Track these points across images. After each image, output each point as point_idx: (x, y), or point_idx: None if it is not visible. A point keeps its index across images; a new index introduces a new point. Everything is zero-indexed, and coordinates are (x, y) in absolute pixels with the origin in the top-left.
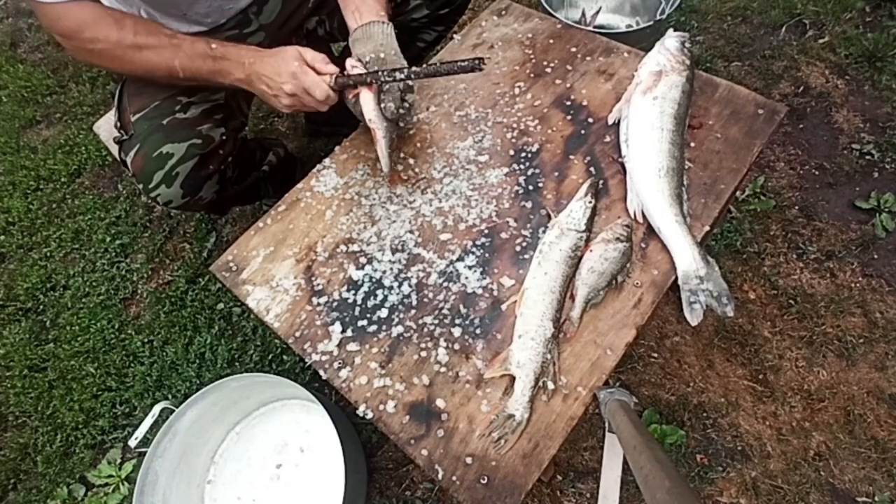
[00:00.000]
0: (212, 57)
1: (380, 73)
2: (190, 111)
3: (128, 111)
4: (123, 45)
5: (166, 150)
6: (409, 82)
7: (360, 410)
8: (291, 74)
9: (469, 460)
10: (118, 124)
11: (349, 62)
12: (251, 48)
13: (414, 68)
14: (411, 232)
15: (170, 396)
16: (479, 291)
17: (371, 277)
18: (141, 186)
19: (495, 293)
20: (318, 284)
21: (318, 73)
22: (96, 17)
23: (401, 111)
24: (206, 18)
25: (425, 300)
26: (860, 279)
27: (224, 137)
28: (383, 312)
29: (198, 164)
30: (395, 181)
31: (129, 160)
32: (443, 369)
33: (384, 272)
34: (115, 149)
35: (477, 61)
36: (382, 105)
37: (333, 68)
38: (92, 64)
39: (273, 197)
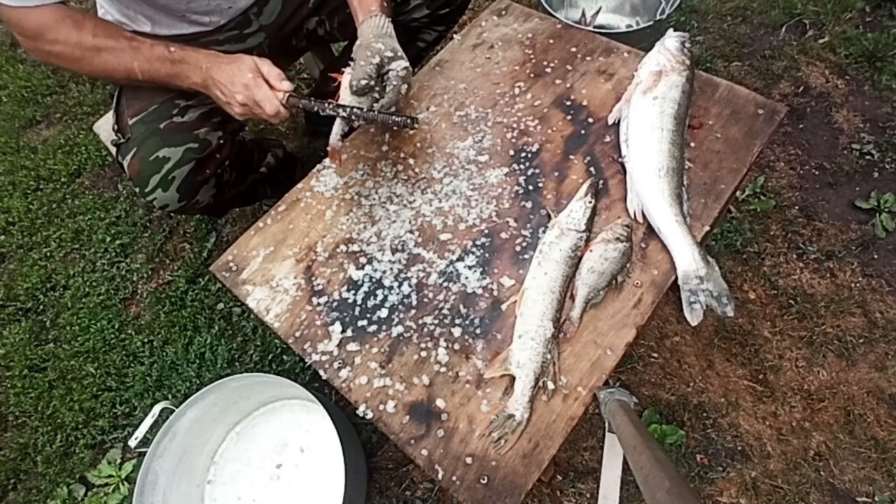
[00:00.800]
0: (170, 60)
1: (327, 104)
2: (188, 115)
3: (125, 114)
4: (83, 47)
5: (163, 154)
6: (389, 53)
7: (360, 410)
8: (244, 85)
9: (469, 460)
10: (115, 127)
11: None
12: (210, 53)
13: (356, 109)
14: (411, 232)
15: (170, 396)
16: (479, 291)
17: (371, 277)
18: (137, 190)
19: (495, 293)
20: (318, 284)
21: (273, 87)
22: (57, 20)
23: (372, 75)
24: (204, 18)
25: (425, 300)
26: (860, 279)
27: (221, 141)
28: (383, 312)
29: (194, 169)
30: (334, 158)
31: (125, 163)
32: (443, 369)
33: (384, 272)
34: (114, 150)
35: (410, 120)
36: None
37: (288, 85)
38: (52, 65)
39: (272, 198)
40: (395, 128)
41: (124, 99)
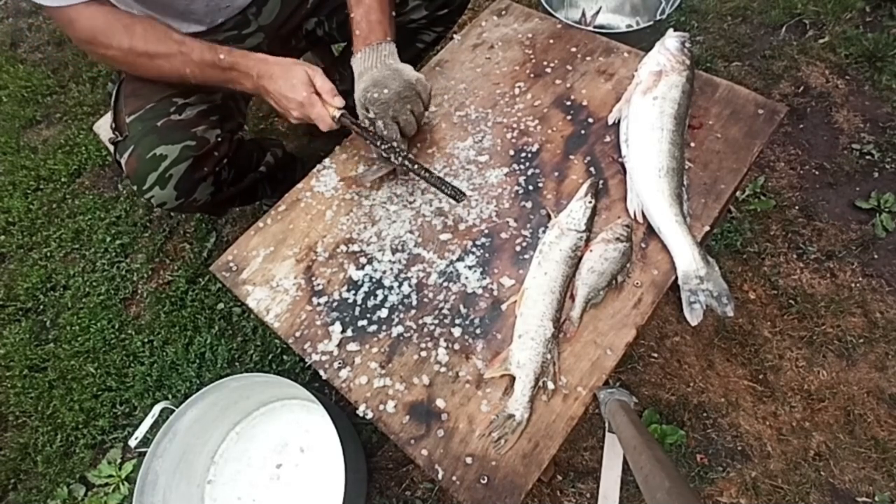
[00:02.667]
0: (220, 67)
1: (381, 143)
2: (185, 113)
3: (123, 112)
4: (135, 53)
5: (160, 151)
6: (371, 116)
7: (360, 410)
8: (299, 104)
9: (469, 460)
10: (113, 125)
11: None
12: (259, 58)
13: (406, 161)
14: (411, 232)
15: (170, 396)
16: (479, 291)
17: (371, 277)
18: (135, 188)
19: (495, 293)
20: (318, 284)
21: (325, 101)
22: (106, 24)
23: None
24: (204, 18)
25: (425, 300)
26: (860, 279)
27: (219, 139)
28: (383, 312)
29: (192, 166)
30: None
31: (123, 161)
32: (443, 369)
33: (384, 272)
34: (112, 148)
35: (459, 193)
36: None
37: (340, 101)
38: (109, 67)
39: (272, 197)
40: (441, 192)
41: (122, 97)
